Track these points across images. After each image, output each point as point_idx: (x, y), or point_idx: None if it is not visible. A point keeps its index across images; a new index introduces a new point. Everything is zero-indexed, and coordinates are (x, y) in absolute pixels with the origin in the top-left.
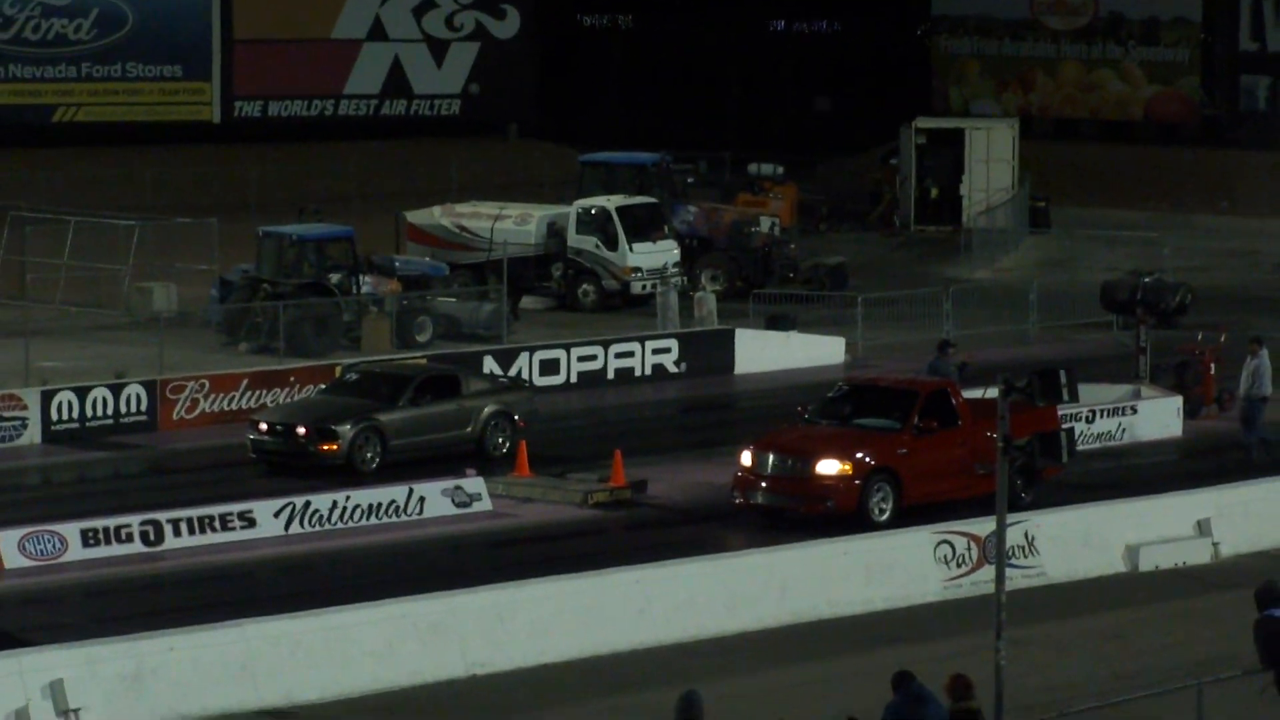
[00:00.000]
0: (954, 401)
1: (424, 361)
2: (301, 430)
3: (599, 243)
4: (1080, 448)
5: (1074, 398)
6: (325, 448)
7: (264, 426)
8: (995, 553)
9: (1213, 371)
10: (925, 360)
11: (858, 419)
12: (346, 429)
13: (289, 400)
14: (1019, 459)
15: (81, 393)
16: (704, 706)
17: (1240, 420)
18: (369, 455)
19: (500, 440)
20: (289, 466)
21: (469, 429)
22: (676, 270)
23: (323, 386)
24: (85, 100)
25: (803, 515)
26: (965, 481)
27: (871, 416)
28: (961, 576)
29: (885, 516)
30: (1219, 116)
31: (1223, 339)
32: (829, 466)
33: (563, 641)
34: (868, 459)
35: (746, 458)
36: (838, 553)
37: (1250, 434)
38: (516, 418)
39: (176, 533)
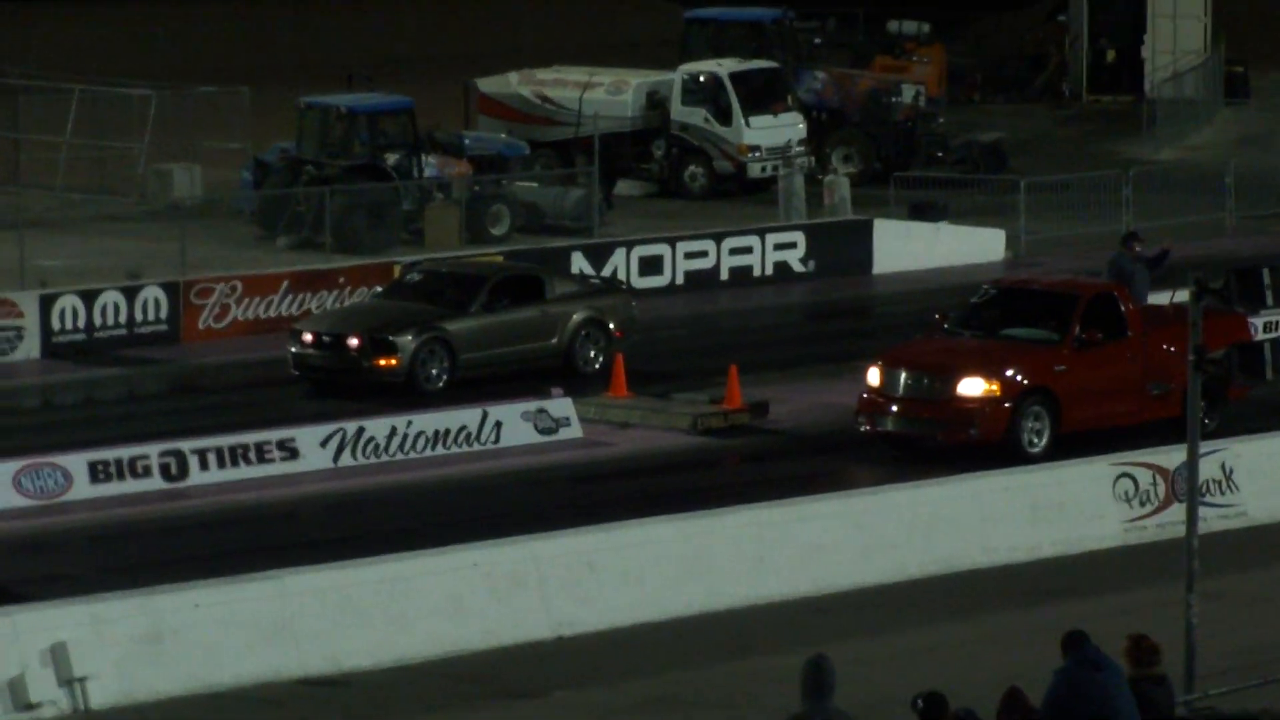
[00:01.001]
0: (1123, 308)
1: (500, 259)
2: (354, 341)
3: (709, 116)
4: None
5: (1279, 302)
6: (382, 362)
7: (309, 337)
8: (1187, 488)
9: None
10: (1103, 256)
11: (1007, 329)
12: (408, 340)
13: (338, 306)
14: (1212, 374)
15: (88, 297)
16: (836, 673)
17: None
18: (434, 372)
19: (592, 354)
20: (338, 385)
21: (554, 340)
22: (802, 149)
23: (379, 289)
24: None
25: (941, 444)
26: (1136, 404)
27: (1023, 326)
28: (1146, 517)
29: (1040, 447)
30: None
31: None
32: (973, 386)
33: (665, 595)
34: (1019, 377)
35: (874, 376)
36: (996, 488)
37: None
38: (611, 326)
39: (203, 465)
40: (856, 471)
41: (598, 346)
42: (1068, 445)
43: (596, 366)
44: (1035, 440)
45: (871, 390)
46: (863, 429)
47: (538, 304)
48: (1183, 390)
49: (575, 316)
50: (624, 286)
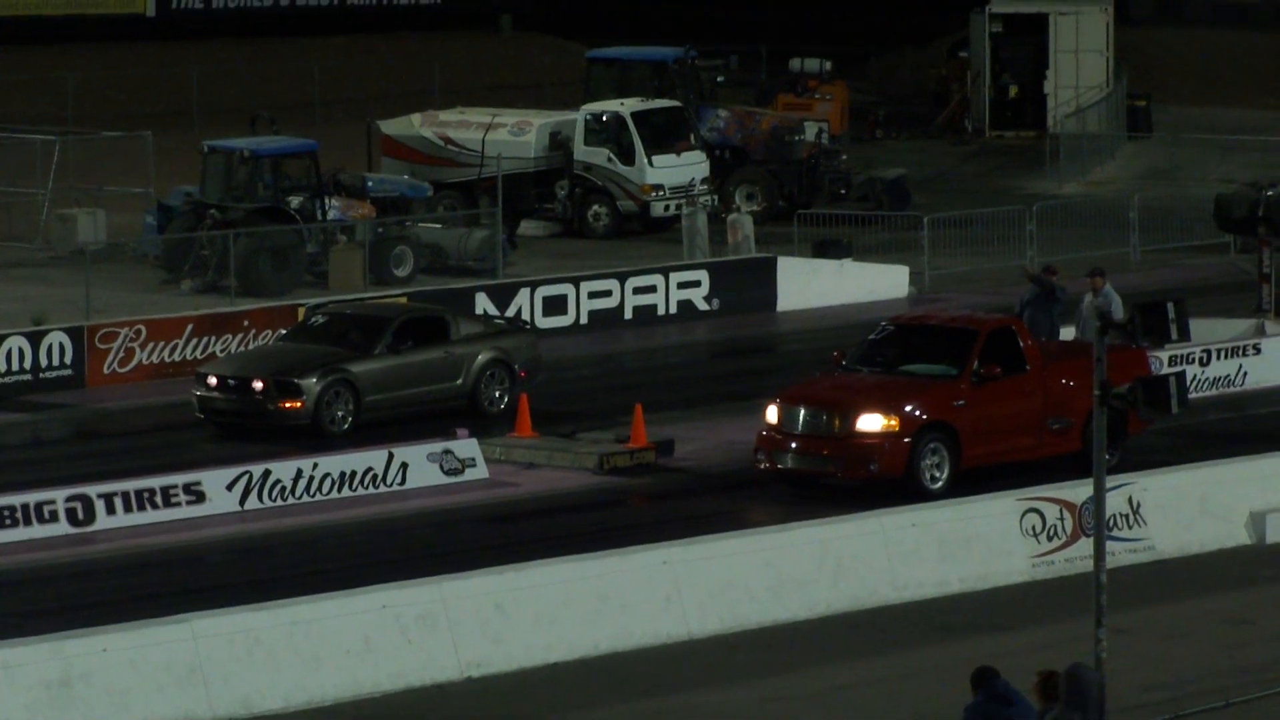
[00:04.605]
0: (1021, 343)
1: (405, 301)
2: (258, 384)
3: (612, 155)
4: (1193, 395)
5: (1184, 336)
6: (287, 405)
7: (213, 381)
8: (1094, 523)
9: None
10: (1008, 291)
11: (905, 365)
12: (312, 382)
13: (243, 349)
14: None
15: None
16: (1098, 684)
17: None
18: (339, 414)
19: (497, 394)
20: (244, 428)
21: (459, 381)
22: (705, 188)
23: (283, 332)
24: None
25: (840, 481)
26: (1036, 439)
27: (922, 362)
28: (1053, 552)
29: (940, 484)
30: None
31: None
32: (872, 422)
33: (575, 635)
34: (918, 412)
35: (773, 414)
36: (904, 525)
37: None
38: (516, 367)
39: (110, 510)
40: (764, 509)
41: (503, 387)
42: (970, 481)
43: (501, 407)
44: (935, 476)
45: (770, 428)
46: (762, 467)
47: (442, 345)
48: (1082, 425)
49: (480, 357)
50: (528, 327)
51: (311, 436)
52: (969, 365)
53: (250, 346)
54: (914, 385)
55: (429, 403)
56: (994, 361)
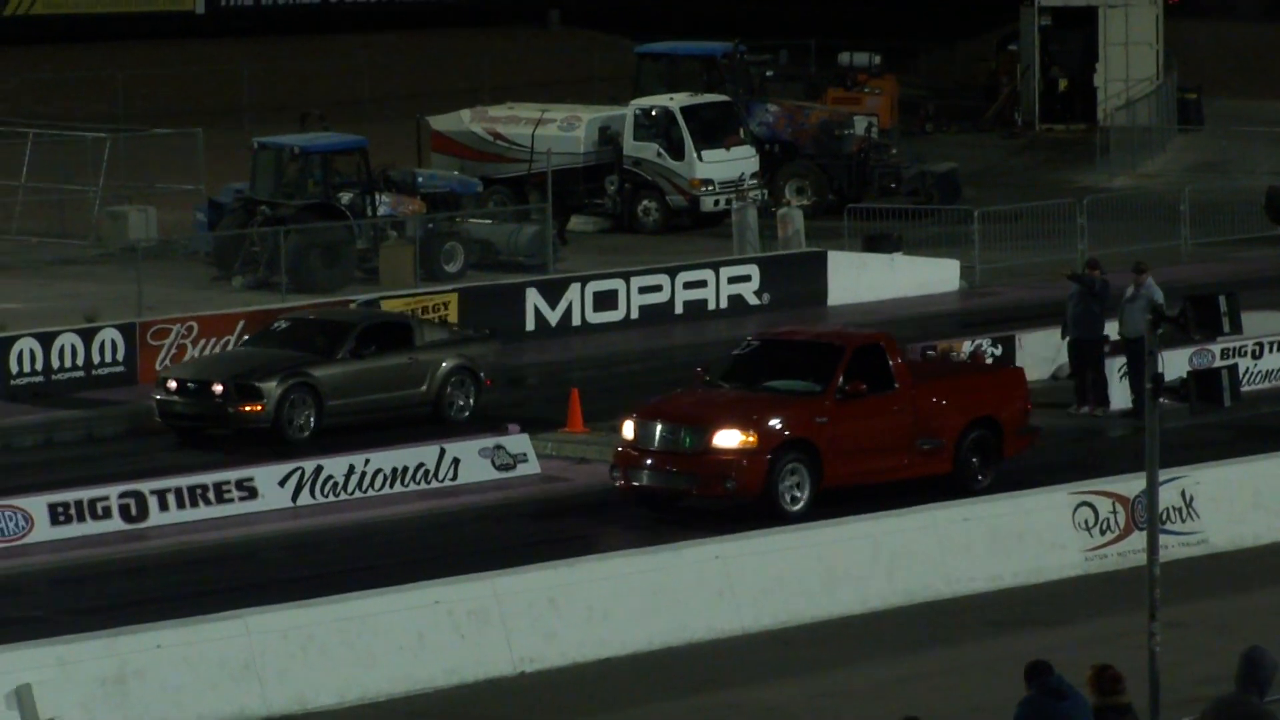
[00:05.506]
0: (891, 360)
1: (454, 300)
2: (218, 388)
3: (661, 150)
4: (1246, 388)
5: (1237, 328)
6: (247, 408)
7: (173, 385)
8: (1147, 516)
9: None
10: (1059, 285)
11: (769, 382)
12: (272, 386)
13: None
14: (974, 433)
15: (45, 340)
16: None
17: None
18: (306, 417)
19: (462, 402)
20: (203, 433)
21: (423, 387)
22: (755, 182)
23: (247, 337)
24: None
25: (696, 501)
26: (904, 459)
27: (786, 378)
28: (1106, 545)
29: (800, 505)
30: None
31: None
32: (728, 438)
33: (628, 630)
34: (778, 428)
35: (629, 429)
36: (956, 519)
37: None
38: (481, 375)
39: (163, 506)
40: (815, 504)
41: (466, 393)
42: (831, 503)
43: (466, 415)
44: (795, 496)
45: (626, 444)
46: (618, 484)
47: (406, 351)
48: (954, 445)
49: (445, 364)
50: (491, 334)
51: (272, 442)
52: (834, 382)
53: (213, 351)
54: (775, 401)
55: (392, 409)
56: (860, 379)
